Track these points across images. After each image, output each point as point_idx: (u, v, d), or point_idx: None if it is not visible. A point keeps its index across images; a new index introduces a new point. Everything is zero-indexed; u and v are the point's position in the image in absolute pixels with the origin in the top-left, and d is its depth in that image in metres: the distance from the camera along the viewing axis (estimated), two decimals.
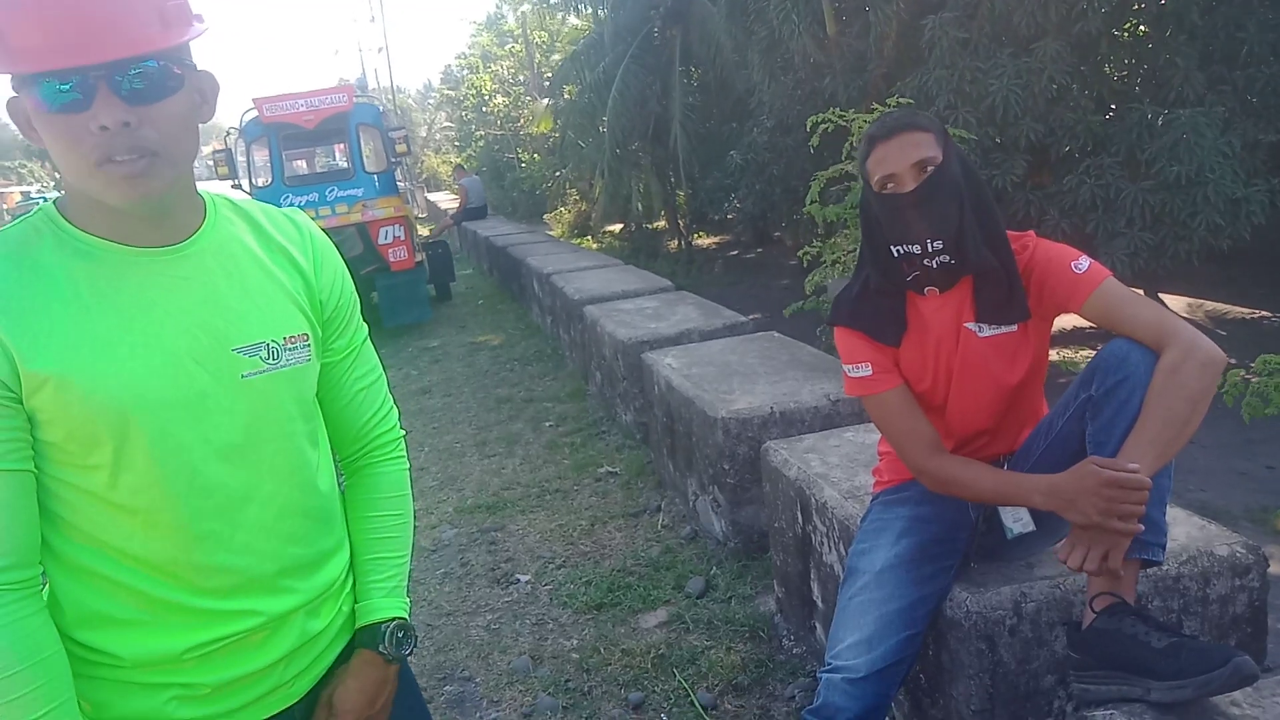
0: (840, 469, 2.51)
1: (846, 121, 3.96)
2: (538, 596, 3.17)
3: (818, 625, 2.48)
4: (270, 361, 1.10)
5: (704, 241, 16.86)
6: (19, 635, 0.95)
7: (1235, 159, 5.96)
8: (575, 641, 2.85)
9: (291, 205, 8.02)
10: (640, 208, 16.72)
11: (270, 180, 8.28)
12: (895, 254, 1.72)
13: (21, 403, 0.97)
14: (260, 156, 8.52)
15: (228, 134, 8.48)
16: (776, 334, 4.26)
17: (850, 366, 1.82)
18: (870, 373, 1.79)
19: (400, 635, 1.22)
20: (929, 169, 1.65)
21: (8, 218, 34.65)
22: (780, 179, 11.38)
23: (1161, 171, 6.06)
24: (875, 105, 3.93)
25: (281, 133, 8.22)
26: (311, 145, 9.96)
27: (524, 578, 3.32)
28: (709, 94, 14.45)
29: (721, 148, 13.47)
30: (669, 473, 3.91)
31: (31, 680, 0.95)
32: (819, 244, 4.29)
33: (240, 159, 8.45)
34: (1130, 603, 1.52)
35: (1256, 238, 6.50)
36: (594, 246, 15.07)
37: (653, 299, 5.57)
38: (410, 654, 1.25)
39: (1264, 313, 7.86)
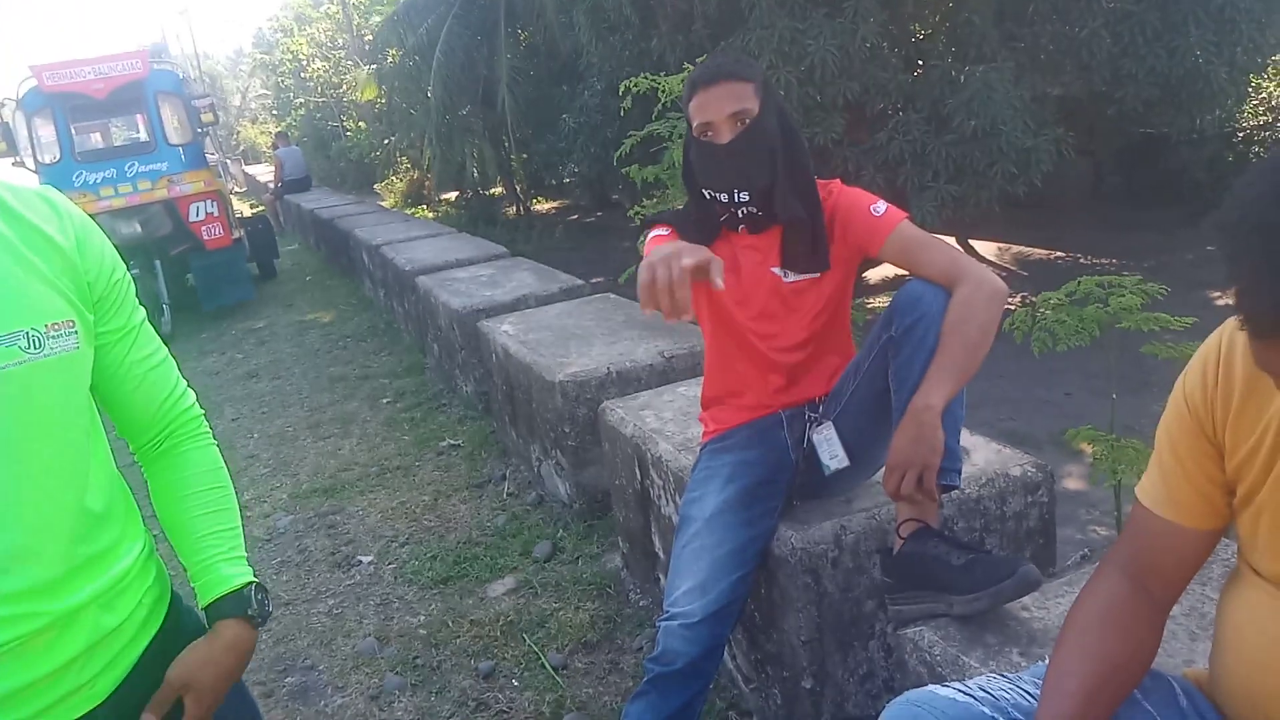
0: (674, 423, 2.56)
1: (657, 83, 3.99)
2: (382, 576, 3.09)
3: (661, 576, 2.54)
4: (31, 351, 1.00)
5: (543, 206, 16.74)
6: None
7: (1025, 111, 6.44)
8: (422, 618, 2.80)
9: (86, 183, 7.39)
10: (475, 174, 16.36)
11: (59, 156, 7.53)
12: (706, 196, 1.79)
13: None
14: (45, 130, 7.73)
15: (2, 105, 7.63)
16: (612, 295, 4.28)
17: (651, 238, 1.82)
18: (666, 233, 1.82)
19: (261, 596, 1.19)
20: (745, 121, 1.70)
21: None
22: (614, 141, 11.36)
23: (961, 125, 6.47)
24: (687, 65, 3.97)
25: (68, 104, 7.48)
26: (104, 117, 9.13)
27: (366, 559, 3.22)
28: (538, 56, 14.24)
29: (553, 111, 13.33)
30: (512, 441, 3.88)
31: None
32: (647, 204, 4.33)
33: (21, 133, 7.63)
34: (934, 526, 1.63)
35: (1048, 185, 7.07)
36: (430, 215, 14.65)
37: (487, 266, 5.48)
38: (269, 612, 1.22)
39: (1058, 253, 8.61)
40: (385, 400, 5.02)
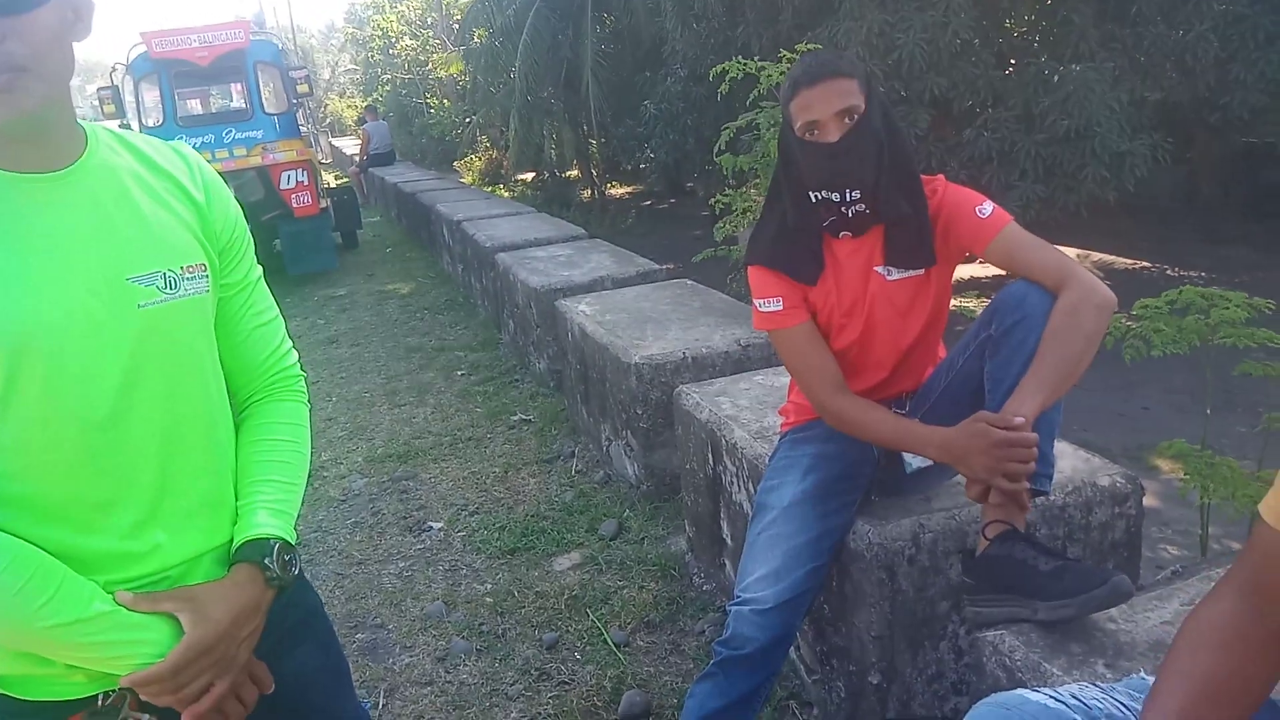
0: (749, 411, 2.56)
1: (754, 71, 3.95)
2: (451, 543, 3.16)
3: (727, 562, 2.55)
4: (168, 291, 1.05)
5: (617, 191, 16.79)
6: None
7: (1121, 114, 6.22)
8: (489, 586, 2.86)
9: None
10: (553, 156, 16.49)
11: (162, 120, 7.82)
12: (813, 199, 1.75)
13: None
14: (150, 95, 8.04)
15: (113, 70, 7.96)
16: (689, 281, 4.29)
17: (761, 301, 1.84)
18: (780, 308, 1.82)
19: (286, 558, 1.11)
20: (853, 118, 1.67)
21: None
22: (693, 129, 11.37)
23: (1053, 125, 6.28)
24: (784, 53, 3.93)
25: (173, 70, 7.76)
26: (206, 84, 9.45)
27: (436, 525, 3.30)
28: (622, 42, 14.24)
29: (635, 96, 13.34)
30: (583, 419, 3.92)
31: (22, 569, 0.94)
32: (730, 193, 4.31)
33: (129, 97, 7.95)
34: (1020, 530, 1.60)
35: (1140, 191, 6.83)
36: (506, 195, 14.82)
37: (566, 247, 5.53)
38: (291, 580, 1.12)
39: (1144, 263, 8.30)
40: (460, 372, 5.12)
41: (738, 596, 1.79)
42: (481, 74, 16.85)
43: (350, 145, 21.20)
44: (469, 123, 19.70)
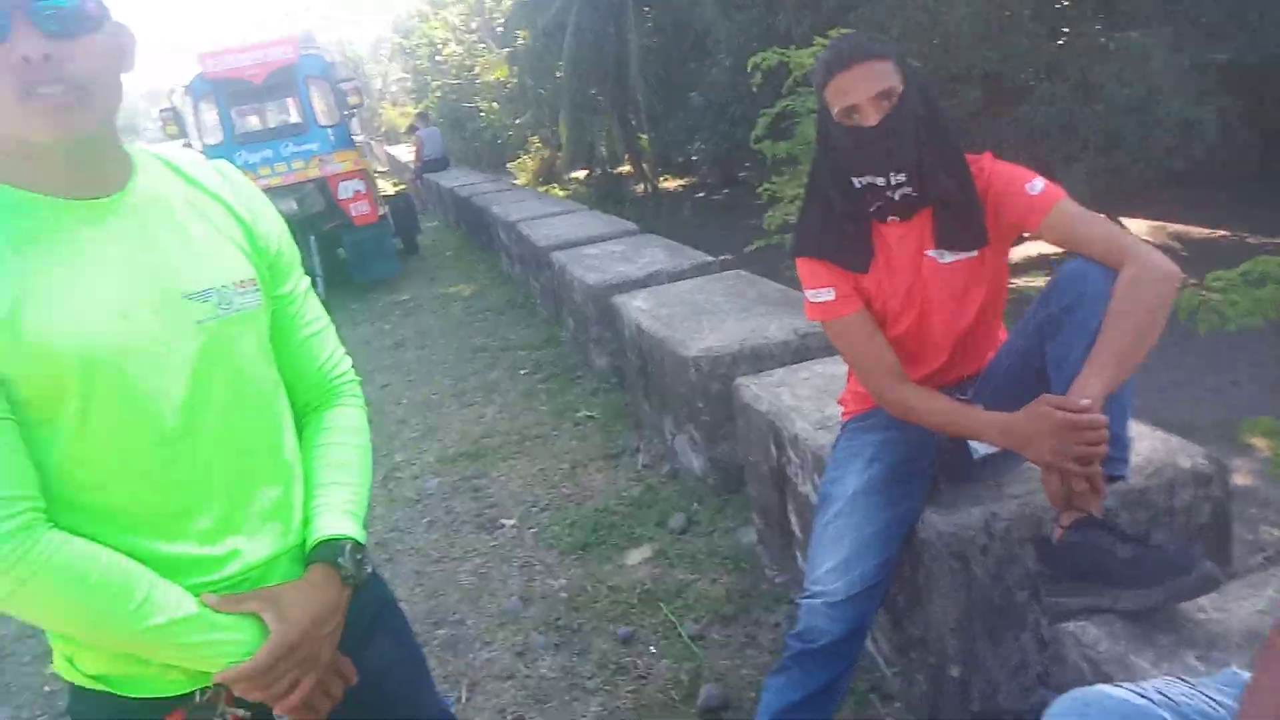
0: (810, 401, 2.56)
1: (786, 58, 3.93)
2: (523, 540, 3.23)
3: (798, 554, 2.56)
4: (223, 307, 1.09)
5: (670, 184, 16.76)
6: (78, 545, 0.99)
7: (1186, 79, 6.01)
8: (563, 581, 2.91)
9: (245, 163, 7.89)
10: (604, 152, 16.55)
11: (221, 138, 8.08)
12: (858, 185, 1.74)
13: None
14: (209, 114, 8.31)
15: (173, 92, 8.24)
16: (743, 272, 4.29)
17: (811, 292, 1.84)
18: (832, 297, 1.82)
19: (358, 557, 1.15)
20: (892, 99, 1.66)
21: None
22: (742, 118, 11.30)
23: (1113, 95, 6.10)
24: (817, 39, 3.90)
25: (228, 88, 8.01)
26: (260, 100, 9.73)
27: (509, 522, 3.37)
28: (666, 34, 14.21)
29: (682, 89, 13.31)
30: (646, 413, 3.96)
31: (115, 575, 0.99)
32: (777, 181, 4.30)
33: (189, 118, 8.23)
34: (1097, 516, 1.58)
35: (1211, 157, 6.59)
36: (561, 194, 14.92)
37: (619, 243, 5.56)
38: (364, 578, 1.16)
39: (1222, 231, 8.01)
40: (524, 371, 5.20)
41: (808, 589, 1.80)
42: (528, 75, 17.01)
43: (405, 153, 21.56)
44: (519, 124, 19.89)
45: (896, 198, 1.72)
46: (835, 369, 2.76)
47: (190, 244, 1.09)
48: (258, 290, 1.14)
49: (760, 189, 4.50)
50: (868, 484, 1.82)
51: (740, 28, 11.09)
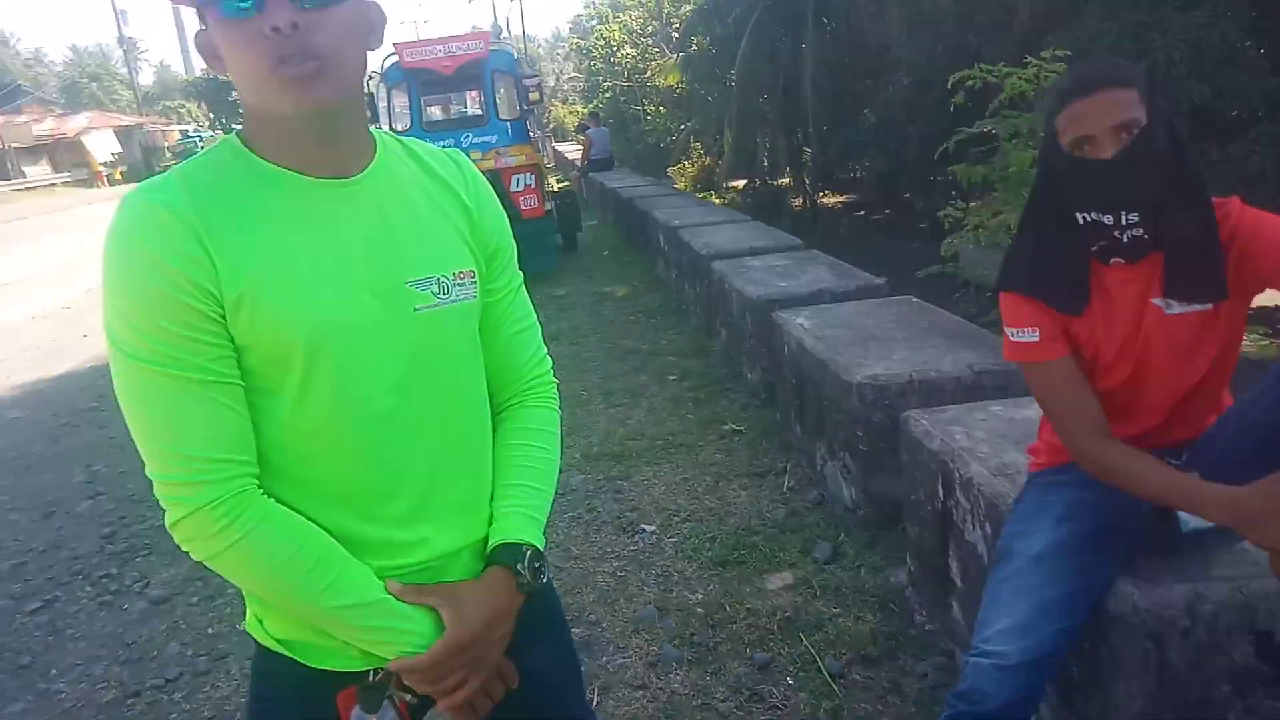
0: (987, 444, 2.41)
1: (997, 78, 3.73)
2: (662, 548, 3.20)
3: (954, 603, 2.41)
4: (441, 296, 1.10)
5: (829, 200, 16.46)
6: (284, 517, 1.03)
7: None
8: (700, 596, 2.86)
9: None
10: (765, 163, 16.42)
11: (409, 125, 8.48)
12: (1081, 220, 1.61)
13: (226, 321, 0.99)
14: (399, 101, 8.73)
15: (369, 78, 8.72)
16: (913, 298, 4.12)
17: (1014, 330, 1.71)
18: (1036, 339, 1.68)
19: (536, 565, 1.15)
20: (1133, 133, 1.52)
21: (169, 154, 36.86)
22: (915, 139, 10.95)
23: None
24: (1029, 60, 3.68)
25: (420, 78, 8.39)
26: (448, 91, 10.16)
27: (649, 528, 3.35)
28: (842, 49, 13.96)
29: (853, 105, 13.04)
30: (796, 435, 3.86)
31: (312, 551, 1.03)
32: (963, 206, 4.10)
33: (381, 103, 8.68)
34: None
35: None
36: (717, 201, 14.91)
37: (782, 257, 5.47)
38: (539, 587, 1.15)
39: None
40: (672, 377, 5.19)
41: (977, 648, 1.67)
42: (698, 82, 17.09)
43: (571, 150, 22.09)
44: (683, 129, 20.02)
45: (1125, 239, 1.57)
46: (1015, 412, 2.59)
47: (419, 231, 1.10)
48: (475, 283, 1.14)
49: (942, 214, 4.30)
50: (1056, 545, 1.68)
51: (924, 45, 10.75)
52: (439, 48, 8.32)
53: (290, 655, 1.13)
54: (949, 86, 4.14)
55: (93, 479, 4.49)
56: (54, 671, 2.86)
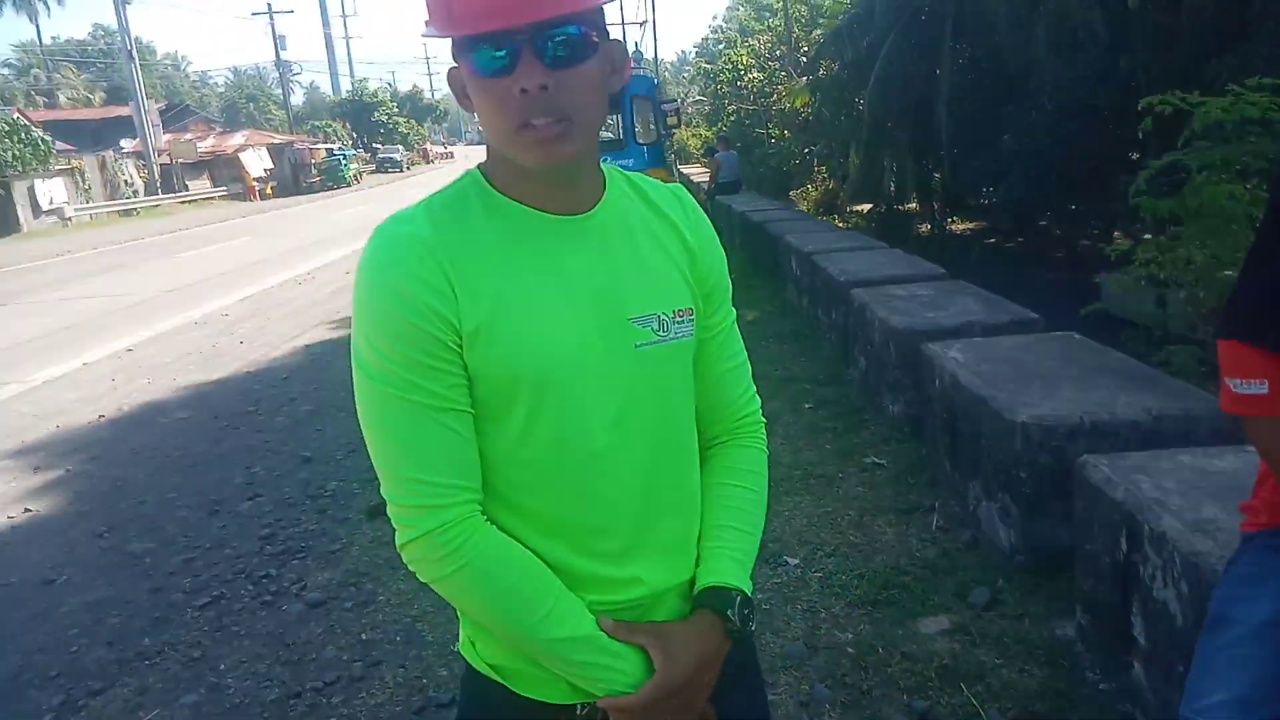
0: (1179, 496, 2.25)
1: (1190, 106, 3.51)
2: (808, 582, 3.12)
3: (1137, 664, 2.26)
4: (661, 334, 1.10)
5: (956, 227, 15.97)
6: (507, 545, 1.05)
7: None
8: (850, 636, 2.78)
9: None
10: (892, 188, 16.09)
11: None
12: None
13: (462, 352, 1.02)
14: None
15: None
16: (1076, 335, 3.92)
17: (1237, 381, 1.58)
18: (1264, 391, 1.54)
19: (745, 612, 1.12)
20: None
21: (314, 171, 39.00)
22: (1058, 165, 10.49)
23: None
24: (1232, 88, 3.45)
25: None
26: None
27: (793, 561, 3.28)
28: (979, 74, 13.56)
29: (988, 130, 12.62)
30: (945, 472, 3.71)
31: (532, 582, 1.04)
32: (1151, 241, 3.86)
33: None
34: None
35: None
36: (841, 225, 14.68)
37: (926, 286, 5.31)
38: (746, 636, 1.14)
39: None
40: (807, 406, 5.09)
41: (1189, 718, 1.55)
42: (826, 105, 16.92)
43: (696, 173, 22.21)
44: (807, 153, 19.84)
45: None
46: (1208, 463, 2.42)
47: (642, 267, 1.10)
48: (692, 321, 1.13)
49: (1111, 249, 4.08)
50: None
51: (1072, 69, 10.32)
52: None
53: (500, 680, 1.13)
54: (1139, 111, 3.90)
55: (251, 480, 4.74)
56: (222, 666, 3.01)
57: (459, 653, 1.20)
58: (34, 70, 54.97)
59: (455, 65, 1.05)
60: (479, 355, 1.01)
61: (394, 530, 1.05)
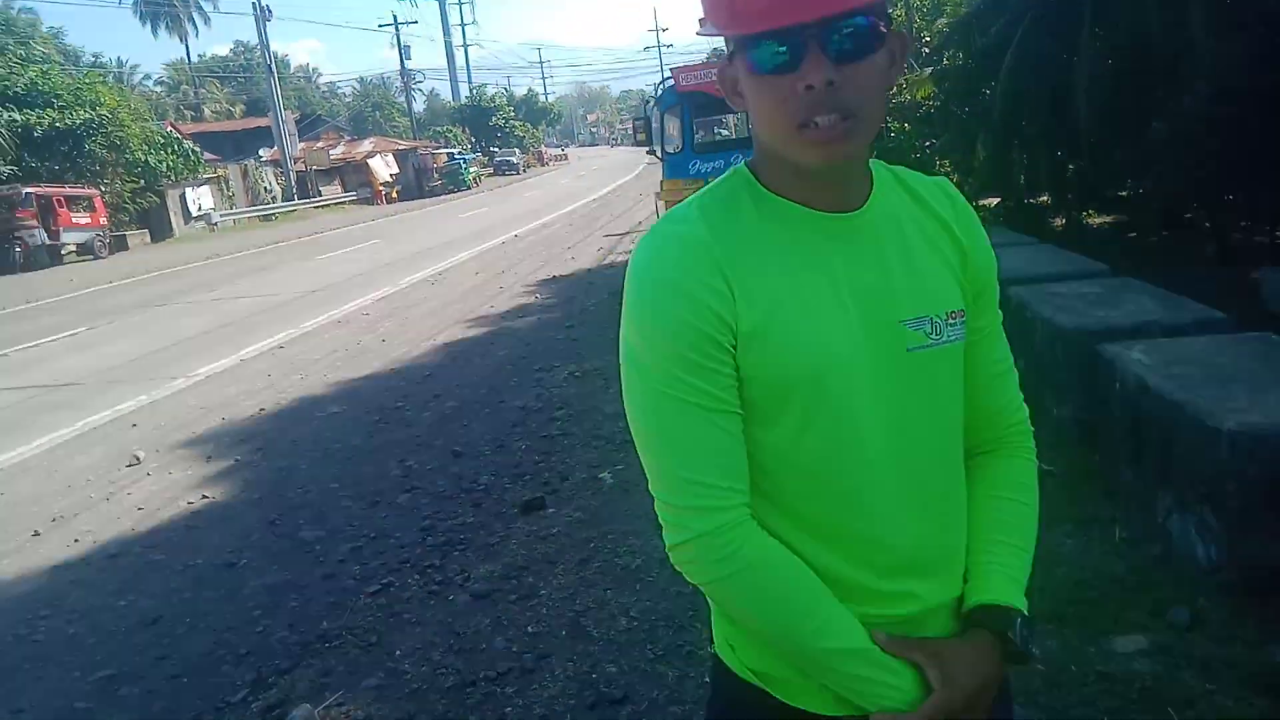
0: None
1: None
2: None
3: None
4: (933, 337, 1.05)
5: (1093, 220, 15.18)
6: (781, 553, 1.02)
7: None
8: (1038, 652, 2.64)
9: (699, 171, 8.44)
10: (1023, 181, 15.42)
11: (680, 146, 8.72)
12: None
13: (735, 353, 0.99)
14: (673, 124, 9.01)
15: (647, 102, 9.05)
16: (1273, 336, 3.63)
17: None
18: None
19: (1027, 633, 1.06)
20: None
21: (436, 175, 40.34)
22: (1214, 155, 9.83)
23: None
24: None
25: (694, 101, 8.61)
26: (718, 114, 10.35)
27: None
28: (1120, 59, 12.83)
29: (1133, 118, 11.91)
30: (1127, 481, 3.50)
31: (805, 591, 1.02)
32: None
33: (655, 126, 8.99)
34: None
35: None
36: None
37: (1091, 283, 5.03)
38: (1026, 661, 1.08)
39: None
40: None
41: None
42: (951, 97, 16.35)
43: None
44: (929, 146, 19.22)
45: None
46: None
47: (913, 267, 1.06)
48: (963, 323, 1.08)
49: None
50: None
51: (1232, 51, 9.65)
52: (712, 72, 8.51)
53: (762, 686, 1.11)
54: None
55: (407, 474, 4.90)
56: (398, 652, 3.11)
57: (715, 654, 1.18)
58: (183, 86, 58.81)
59: (727, 62, 1.03)
60: (753, 357, 0.99)
61: (662, 528, 1.03)
